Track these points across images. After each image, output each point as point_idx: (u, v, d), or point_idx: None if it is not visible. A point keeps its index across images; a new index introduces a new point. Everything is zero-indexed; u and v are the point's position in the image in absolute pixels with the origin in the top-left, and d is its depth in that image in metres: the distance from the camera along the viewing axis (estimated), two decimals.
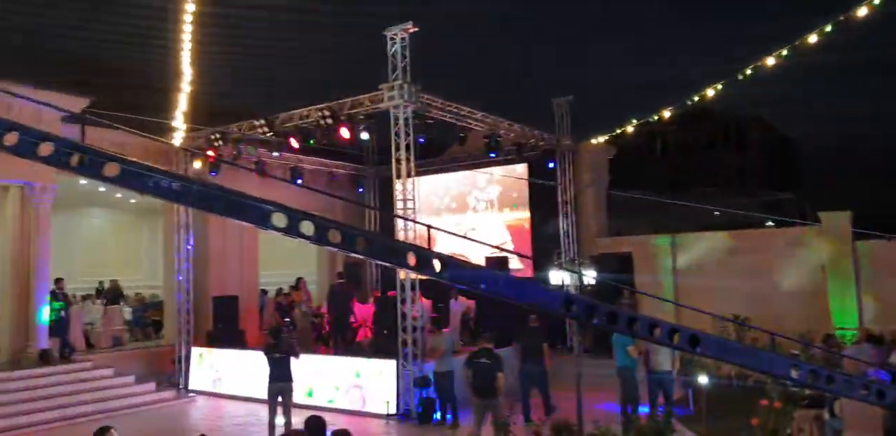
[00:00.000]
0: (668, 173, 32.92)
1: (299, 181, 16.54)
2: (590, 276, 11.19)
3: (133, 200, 20.59)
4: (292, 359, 10.51)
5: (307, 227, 4.04)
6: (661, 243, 16.81)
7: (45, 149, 3.61)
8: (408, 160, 12.29)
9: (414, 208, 12.40)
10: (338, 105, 13.00)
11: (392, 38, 12.08)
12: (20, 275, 13.82)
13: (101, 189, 20.18)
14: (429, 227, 5.58)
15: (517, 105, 15.87)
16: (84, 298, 19.43)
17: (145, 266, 22.50)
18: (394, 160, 12.32)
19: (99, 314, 16.73)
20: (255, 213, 3.94)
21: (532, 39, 12.87)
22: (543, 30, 12.33)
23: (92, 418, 12.19)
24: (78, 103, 13.98)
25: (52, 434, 11.52)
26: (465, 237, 7.77)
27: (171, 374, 15.44)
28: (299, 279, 17.63)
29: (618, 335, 11.19)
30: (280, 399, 10.33)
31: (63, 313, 14.22)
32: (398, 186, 12.29)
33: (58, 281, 14.31)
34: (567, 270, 10.81)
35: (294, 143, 13.80)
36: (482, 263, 16.86)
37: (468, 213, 19.19)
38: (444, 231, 6.40)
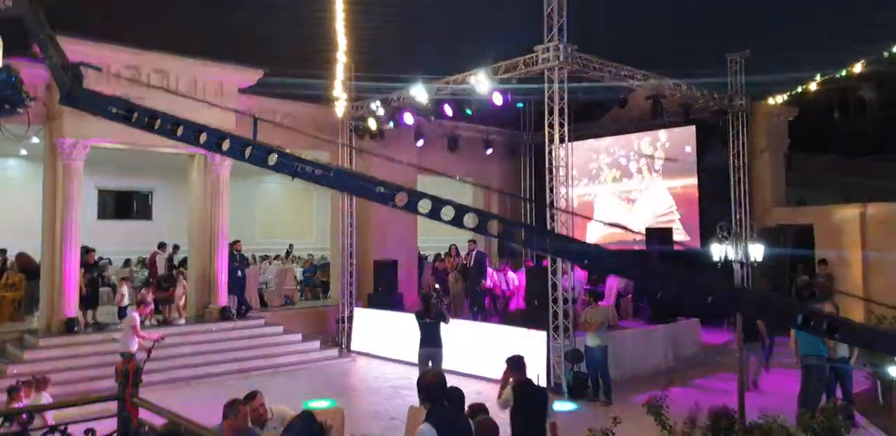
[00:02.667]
0: (863, 136, 29.47)
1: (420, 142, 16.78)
2: (756, 251, 10.13)
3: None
4: (442, 324, 10.61)
5: (424, 205, 4.35)
6: (849, 214, 14.98)
7: (225, 145, 4.62)
8: (561, 125, 11.78)
9: (567, 176, 11.89)
10: (492, 69, 12.70)
11: None
12: (204, 237, 15.05)
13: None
14: (573, 214, 5.21)
15: (684, 62, 14.71)
16: (262, 258, 21.03)
17: (316, 230, 23.85)
18: (546, 125, 11.86)
19: (273, 275, 17.92)
20: (378, 194, 4.37)
21: None
22: None
23: (263, 372, 13.19)
24: (254, 75, 14.81)
25: (226, 384, 12.54)
26: (614, 224, 7.24)
27: (335, 333, 16.28)
28: (452, 246, 17.79)
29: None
30: (430, 364, 10.50)
31: (240, 273, 15.31)
32: (553, 152, 11.84)
33: (234, 243, 15.39)
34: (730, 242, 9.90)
35: (448, 110, 13.69)
36: (639, 234, 16.11)
37: (631, 179, 18.24)
38: (582, 217, 5.98)
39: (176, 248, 16.89)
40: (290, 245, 24.14)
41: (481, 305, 15.22)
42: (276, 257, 21.09)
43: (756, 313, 4.40)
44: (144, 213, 22.75)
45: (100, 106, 4.65)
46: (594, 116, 18.38)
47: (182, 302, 14.44)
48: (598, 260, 4.51)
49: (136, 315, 11.05)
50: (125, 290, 13.84)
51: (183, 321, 14.20)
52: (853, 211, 14.97)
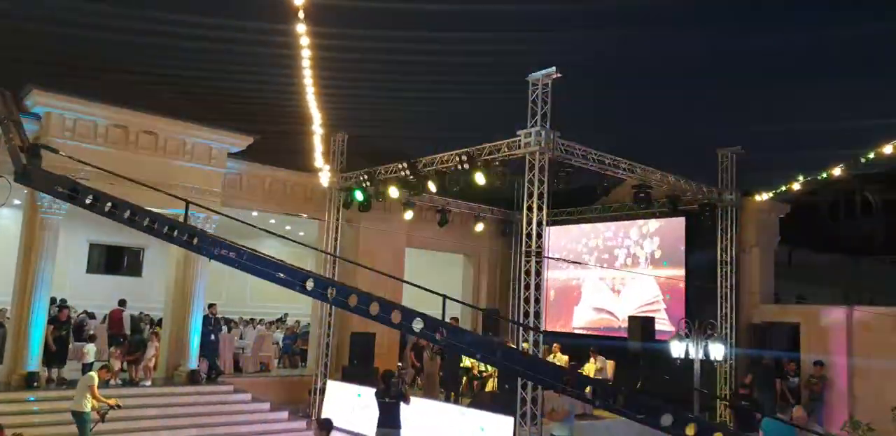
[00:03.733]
0: (868, 236, 29.38)
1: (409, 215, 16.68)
2: (716, 350, 9.93)
3: (301, 233, 21.82)
4: (402, 405, 10.35)
5: (331, 291, 5.02)
6: (836, 316, 14.70)
7: (155, 225, 5.18)
8: (540, 209, 11.84)
9: (542, 260, 11.84)
10: (476, 150, 12.93)
11: (534, 84, 11.84)
12: (180, 298, 14.98)
13: (272, 221, 21.74)
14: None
15: (674, 154, 14.92)
16: (247, 323, 20.84)
17: (304, 296, 23.66)
18: (525, 208, 11.93)
19: (251, 340, 17.70)
20: (279, 279, 5.13)
21: (695, 85, 12.05)
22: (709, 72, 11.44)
23: None
24: (244, 141, 15.15)
25: None
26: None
27: (307, 404, 15.88)
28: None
29: (770, 422, 9.87)
30: None
31: (213, 337, 15.14)
32: (527, 236, 11.84)
33: (210, 306, 15.31)
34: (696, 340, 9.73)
35: (432, 187, 13.89)
36: (624, 320, 15.89)
37: (619, 265, 18.14)
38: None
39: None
40: (285, 314, 24.02)
41: (455, 385, 14.85)
42: (261, 322, 20.88)
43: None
44: (135, 269, 22.83)
45: (47, 185, 5.14)
46: (587, 201, 18.52)
47: (152, 363, 14.21)
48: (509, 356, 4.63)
49: (95, 375, 10.87)
50: (90, 348, 13.65)
51: (149, 383, 13.95)
52: (839, 313, 14.70)
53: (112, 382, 13.13)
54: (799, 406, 9.49)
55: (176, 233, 5.17)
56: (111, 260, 22.69)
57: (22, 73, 12.25)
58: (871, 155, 11.89)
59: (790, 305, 16.48)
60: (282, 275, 5.18)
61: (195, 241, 5.27)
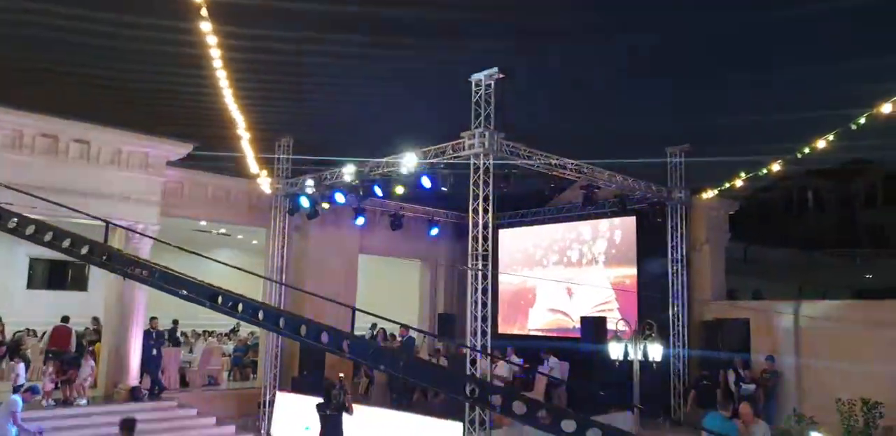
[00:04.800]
0: (822, 231, 29.87)
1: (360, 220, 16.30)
2: (655, 351, 9.84)
3: (255, 242, 21.29)
4: (345, 416, 10.04)
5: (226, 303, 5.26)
6: (784, 310, 14.77)
7: (65, 243, 5.38)
8: (486, 211, 11.64)
9: (489, 264, 11.63)
10: (421, 153, 12.69)
11: (477, 85, 11.65)
12: (119, 312, 14.40)
13: (223, 231, 21.19)
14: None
15: (622, 154, 14.85)
16: (197, 336, 20.25)
17: None
18: (470, 211, 11.73)
19: (198, 354, 17.15)
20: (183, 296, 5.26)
21: (642, 84, 11.98)
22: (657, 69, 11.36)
23: None
24: (182, 148, 14.63)
25: None
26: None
27: (257, 417, 15.42)
28: (379, 330, 17.44)
29: (714, 417, 9.77)
30: None
31: (155, 352, 14.60)
32: (473, 239, 11.63)
33: (152, 320, 14.78)
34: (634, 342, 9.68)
35: (378, 191, 13.61)
36: (577, 322, 15.77)
37: (572, 266, 18.05)
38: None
39: (96, 320, 16.22)
40: (237, 324, 23.40)
41: (407, 392, 14.55)
42: (211, 334, 20.31)
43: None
44: (80, 283, 22.05)
45: None
46: (540, 203, 18.39)
47: (88, 382, 13.59)
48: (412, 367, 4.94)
49: (19, 400, 10.30)
50: (20, 368, 13.01)
51: (85, 402, 13.32)
52: (787, 307, 14.77)
53: (45, 402, 12.54)
54: (745, 403, 9.39)
55: (92, 253, 5.34)
56: (54, 275, 21.88)
57: None
58: (807, 150, 11.95)
59: (740, 302, 16.55)
60: (185, 292, 5.11)
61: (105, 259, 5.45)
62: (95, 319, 16.19)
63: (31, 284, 21.06)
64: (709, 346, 15.34)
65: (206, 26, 8.11)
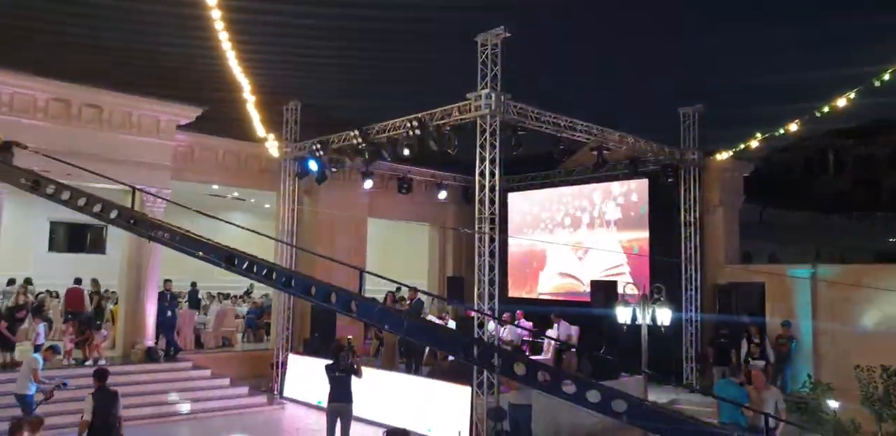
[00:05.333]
0: (840, 194, 29.29)
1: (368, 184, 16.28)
2: (664, 315, 9.75)
3: (267, 205, 21.37)
4: (354, 378, 10.14)
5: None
6: (800, 274, 14.58)
7: (113, 213, 5.68)
8: (493, 174, 11.51)
9: (496, 228, 11.54)
10: (428, 115, 12.51)
11: (483, 45, 11.38)
12: (134, 275, 14.62)
13: (235, 193, 21.23)
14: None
15: (634, 115, 14.55)
16: (213, 297, 20.52)
17: None
18: (477, 174, 11.60)
19: (213, 315, 17.41)
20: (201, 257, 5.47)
21: (653, 43, 11.62)
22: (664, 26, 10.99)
23: (181, 417, 12.65)
24: (192, 112, 14.61)
25: (140, 430, 11.94)
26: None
27: (270, 379, 15.69)
28: (388, 293, 17.53)
29: (726, 384, 9.76)
30: (339, 421, 10.00)
31: (169, 313, 14.83)
32: (480, 202, 11.53)
33: (166, 282, 14.96)
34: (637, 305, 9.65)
35: (385, 154, 13.50)
36: (587, 286, 15.70)
37: (583, 230, 17.91)
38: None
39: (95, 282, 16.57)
40: (251, 285, 23.71)
41: (416, 355, 14.68)
42: (227, 297, 20.57)
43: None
44: (98, 246, 22.36)
45: (13, 177, 5.84)
46: (550, 166, 18.18)
47: (104, 342, 13.89)
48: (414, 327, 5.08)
49: (39, 358, 10.56)
50: (41, 328, 13.30)
51: (103, 362, 13.60)
52: (803, 271, 14.58)
53: (65, 361, 12.85)
54: (757, 370, 9.35)
55: (120, 217, 5.70)
56: (74, 238, 22.23)
57: None
58: (826, 109, 11.59)
59: (754, 265, 16.36)
60: (202, 253, 5.50)
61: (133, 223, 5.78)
62: (95, 281, 16.40)
63: (52, 247, 21.38)
64: (723, 310, 15.23)
65: None
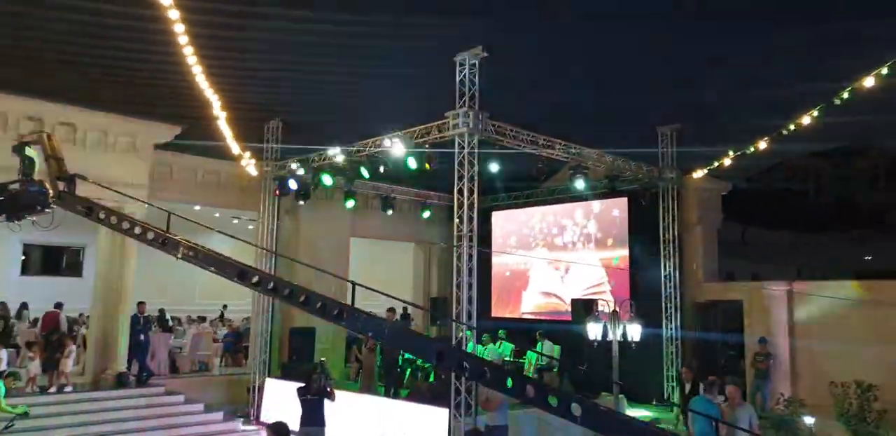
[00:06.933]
0: (821, 212, 29.52)
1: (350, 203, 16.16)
2: (634, 330, 9.67)
3: (250, 227, 21.11)
4: (326, 401, 9.92)
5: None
6: (776, 291, 14.57)
7: (150, 235, 6.01)
8: (471, 192, 11.43)
9: (475, 245, 11.42)
10: (407, 133, 12.47)
11: (461, 64, 11.40)
12: (107, 297, 14.28)
13: (216, 215, 20.96)
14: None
15: (613, 134, 14.57)
16: (191, 321, 20.12)
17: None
18: (455, 192, 11.52)
19: (188, 339, 17.05)
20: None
21: (631, 63, 11.67)
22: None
23: None
24: (170, 131, 14.42)
25: None
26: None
27: (247, 403, 15.34)
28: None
29: (701, 400, 9.63)
30: None
31: (142, 337, 14.49)
32: (458, 220, 11.43)
33: (139, 305, 14.63)
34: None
35: (364, 172, 13.42)
36: (569, 305, 15.59)
37: (565, 249, 17.85)
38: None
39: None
40: (224, 306, 23.32)
41: (394, 378, 14.43)
42: (203, 320, 20.19)
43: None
44: (75, 269, 21.90)
45: (73, 205, 6.32)
46: (532, 185, 18.16)
47: (69, 368, 13.45)
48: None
49: (1, 384, 10.24)
50: (3, 354, 12.89)
51: (69, 388, 13.23)
52: (779, 288, 14.58)
53: (29, 389, 12.47)
54: (733, 386, 9.23)
55: (150, 236, 6.03)
56: (49, 261, 21.76)
57: None
58: (792, 127, 11.66)
59: (733, 283, 16.37)
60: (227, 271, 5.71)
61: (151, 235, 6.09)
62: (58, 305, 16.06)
63: (26, 270, 20.93)
64: (704, 328, 15.18)
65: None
